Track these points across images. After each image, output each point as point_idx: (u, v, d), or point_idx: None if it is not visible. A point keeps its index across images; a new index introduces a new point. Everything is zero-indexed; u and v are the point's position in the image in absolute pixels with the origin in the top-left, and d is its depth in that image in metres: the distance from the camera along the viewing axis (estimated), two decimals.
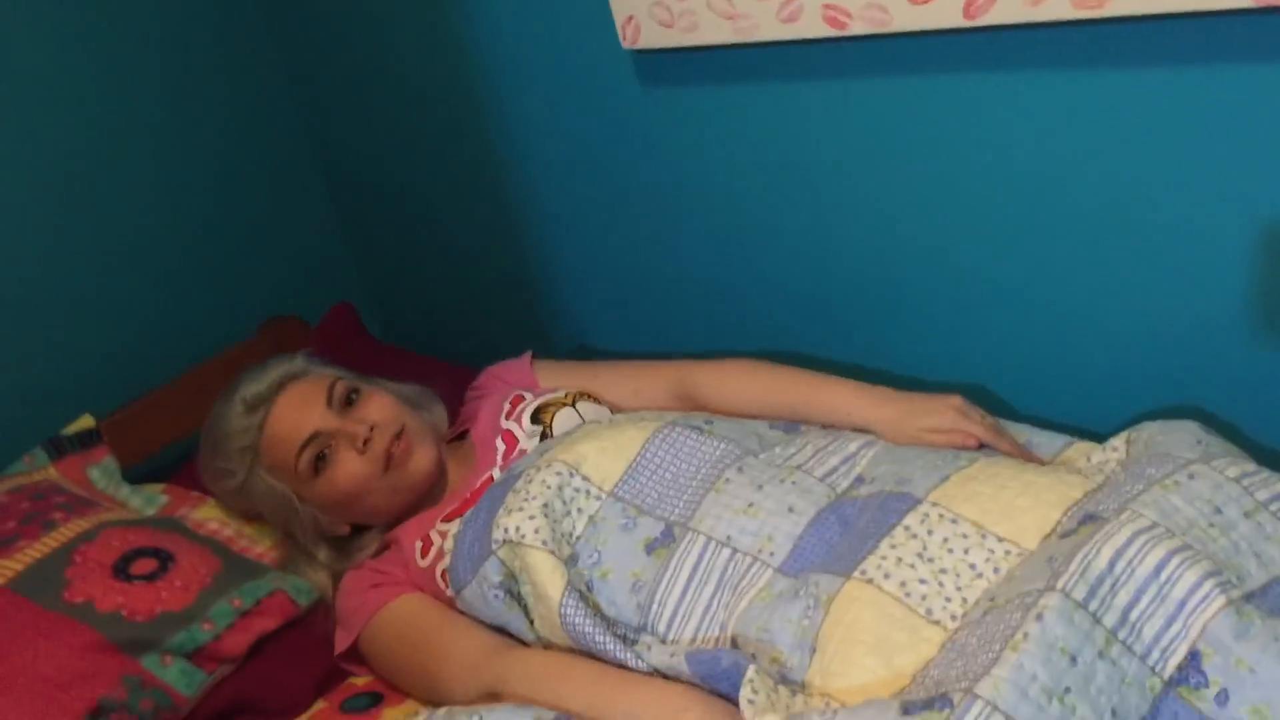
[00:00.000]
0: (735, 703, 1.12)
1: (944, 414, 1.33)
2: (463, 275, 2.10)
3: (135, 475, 1.76)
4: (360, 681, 1.50)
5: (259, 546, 1.61)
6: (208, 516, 1.63)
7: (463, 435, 1.64)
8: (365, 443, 1.45)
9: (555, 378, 1.66)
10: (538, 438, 1.50)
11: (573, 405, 1.54)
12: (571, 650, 1.28)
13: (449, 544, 1.42)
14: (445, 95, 1.90)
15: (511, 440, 1.52)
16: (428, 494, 1.54)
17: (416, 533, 1.48)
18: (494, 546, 1.32)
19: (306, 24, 2.02)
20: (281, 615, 1.51)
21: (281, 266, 2.14)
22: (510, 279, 2.01)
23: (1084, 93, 1.25)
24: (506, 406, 1.57)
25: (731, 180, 1.62)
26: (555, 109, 1.76)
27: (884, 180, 1.47)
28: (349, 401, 1.51)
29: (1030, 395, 1.47)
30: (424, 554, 1.45)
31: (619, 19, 1.58)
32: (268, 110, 2.10)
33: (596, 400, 1.57)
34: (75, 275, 1.86)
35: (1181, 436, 1.18)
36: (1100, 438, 1.32)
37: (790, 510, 1.23)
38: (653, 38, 1.56)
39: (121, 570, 1.46)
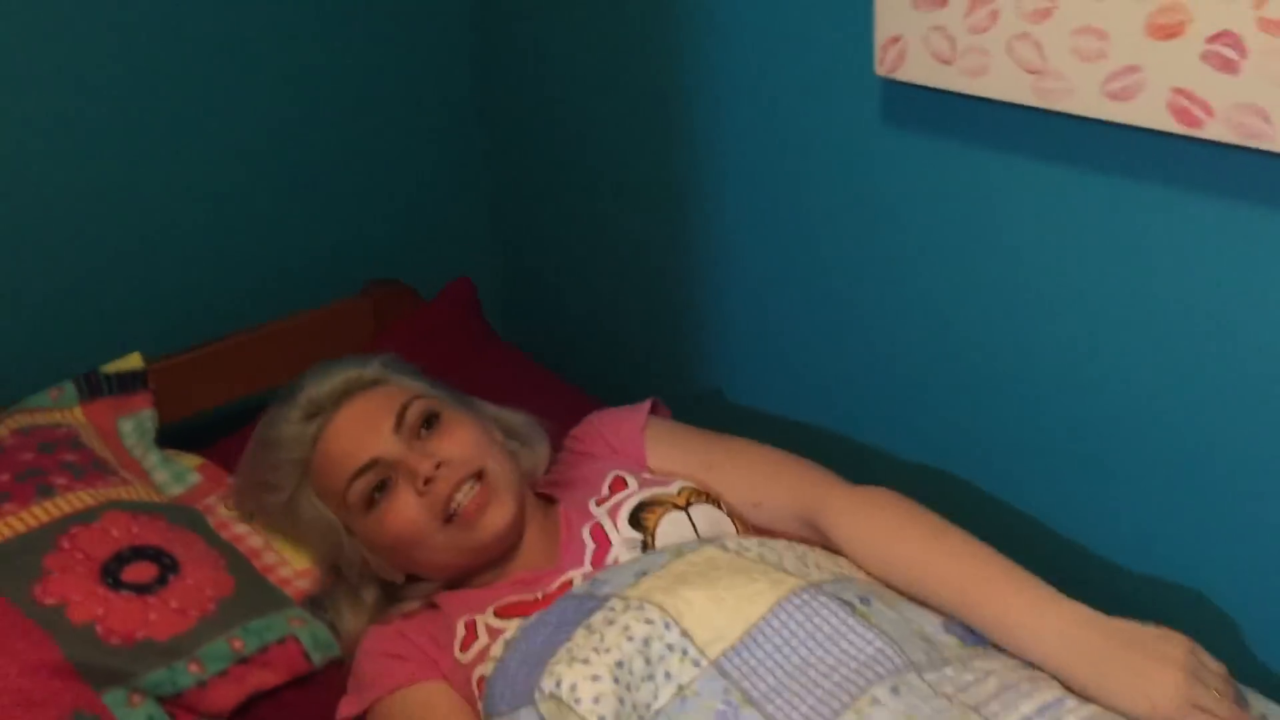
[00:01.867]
0: None
1: (1165, 677, 0.95)
2: (612, 284, 1.77)
3: (175, 433, 1.48)
4: None
5: (287, 568, 1.31)
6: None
7: (550, 499, 1.32)
8: (426, 482, 1.17)
9: (667, 453, 1.32)
10: (638, 548, 1.18)
11: (685, 509, 1.21)
12: None
13: (496, 650, 1.12)
14: (653, 68, 1.57)
15: (603, 540, 1.20)
16: (499, 556, 1.23)
17: (463, 612, 1.19)
18: (538, 696, 1.02)
19: None
20: (288, 670, 1.22)
21: (401, 218, 1.82)
22: (665, 301, 1.68)
23: None
24: (605, 489, 1.26)
25: (967, 270, 1.27)
26: (772, 123, 1.42)
27: (1198, 331, 1.11)
28: (425, 426, 1.22)
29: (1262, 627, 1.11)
30: (464, 647, 1.16)
31: (880, 37, 1.23)
32: (435, 41, 1.79)
33: (716, 503, 1.24)
34: (158, 188, 1.58)
35: None
36: None
37: None
38: (920, 71, 1.20)
39: (111, 573, 1.19)
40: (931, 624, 1.05)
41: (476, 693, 1.12)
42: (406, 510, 1.18)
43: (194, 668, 1.16)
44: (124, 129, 1.53)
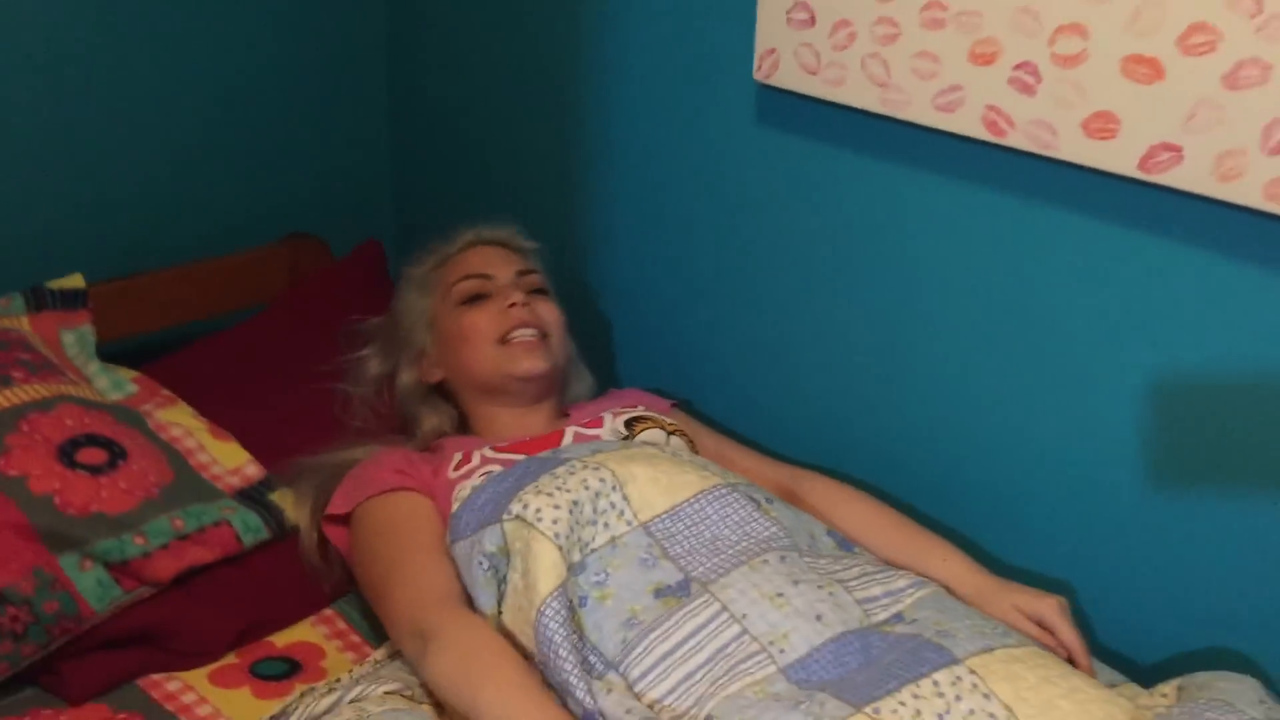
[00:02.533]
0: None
1: (1043, 601, 1.27)
2: None
3: (107, 355, 1.62)
4: (281, 643, 1.39)
5: (218, 467, 1.48)
6: (173, 420, 1.51)
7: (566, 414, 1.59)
8: (511, 305, 1.50)
9: (687, 423, 1.61)
10: (618, 439, 1.44)
11: (668, 434, 1.47)
12: (524, 653, 1.18)
13: (465, 491, 1.33)
14: (552, 58, 1.79)
15: (597, 423, 1.48)
16: (514, 399, 1.51)
17: (463, 446, 1.44)
18: (504, 517, 1.23)
19: None
20: (221, 549, 1.39)
21: (319, 179, 2.02)
22: (565, 283, 1.88)
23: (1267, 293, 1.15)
24: (618, 407, 1.53)
25: (828, 254, 1.52)
26: (662, 120, 1.66)
27: (1000, 314, 1.37)
28: (533, 291, 1.56)
29: (1114, 610, 1.37)
30: (459, 467, 1.40)
31: (760, 49, 1.47)
32: (353, 24, 1.98)
33: (695, 448, 1.50)
34: (104, 133, 1.76)
35: (1243, 691, 1.09)
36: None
37: (818, 618, 1.13)
38: (790, 78, 1.46)
39: (67, 453, 1.34)
40: (817, 528, 1.31)
41: (456, 506, 1.32)
42: (483, 317, 1.51)
43: (139, 540, 1.33)
44: (89, 90, 1.72)
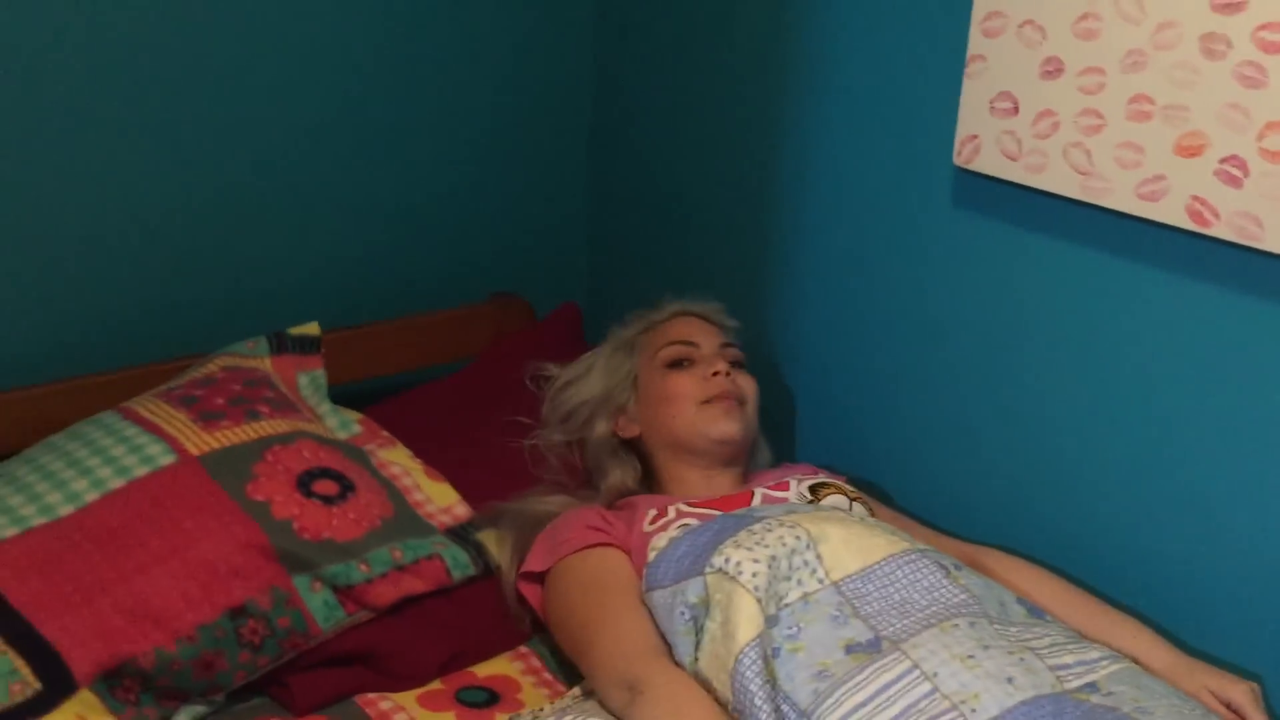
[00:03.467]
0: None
1: (1235, 686, 1.29)
2: None
3: (331, 396, 1.75)
4: (482, 674, 1.48)
5: (432, 505, 1.59)
6: (393, 459, 1.63)
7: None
8: (715, 374, 1.61)
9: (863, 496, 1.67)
10: (804, 503, 1.51)
11: (850, 500, 1.54)
12: (720, 701, 1.25)
13: (661, 542, 1.41)
14: (753, 132, 1.87)
15: (783, 486, 1.55)
16: (710, 460, 1.60)
17: (656, 503, 1.52)
18: (707, 569, 1.31)
19: (633, 36, 2.04)
20: (433, 581, 1.50)
21: (524, 244, 2.15)
22: (751, 355, 1.93)
23: None
24: (798, 475, 1.61)
25: (1020, 335, 1.55)
26: (859, 198, 1.72)
27: (1200, 401, 1.38)
28: (733, 361, 1.67)
29: None
30: (654, 521, 1.48)
31: (961, 135, 1.53)
32: (560, 107, 2.12)
33: (873, 515, 1.56)
34: (343, 204, 1.92)
35: None
36: None
37: (1009, 680, 1.16)
38: (990, 164, 1.51)
39: (304, 484, 1.47)
40: (1007, 596, 1.34)
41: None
42: (688, 381, 1.61)
43: (363, 567, 1.44)
44: (328, 169, 1.89)
